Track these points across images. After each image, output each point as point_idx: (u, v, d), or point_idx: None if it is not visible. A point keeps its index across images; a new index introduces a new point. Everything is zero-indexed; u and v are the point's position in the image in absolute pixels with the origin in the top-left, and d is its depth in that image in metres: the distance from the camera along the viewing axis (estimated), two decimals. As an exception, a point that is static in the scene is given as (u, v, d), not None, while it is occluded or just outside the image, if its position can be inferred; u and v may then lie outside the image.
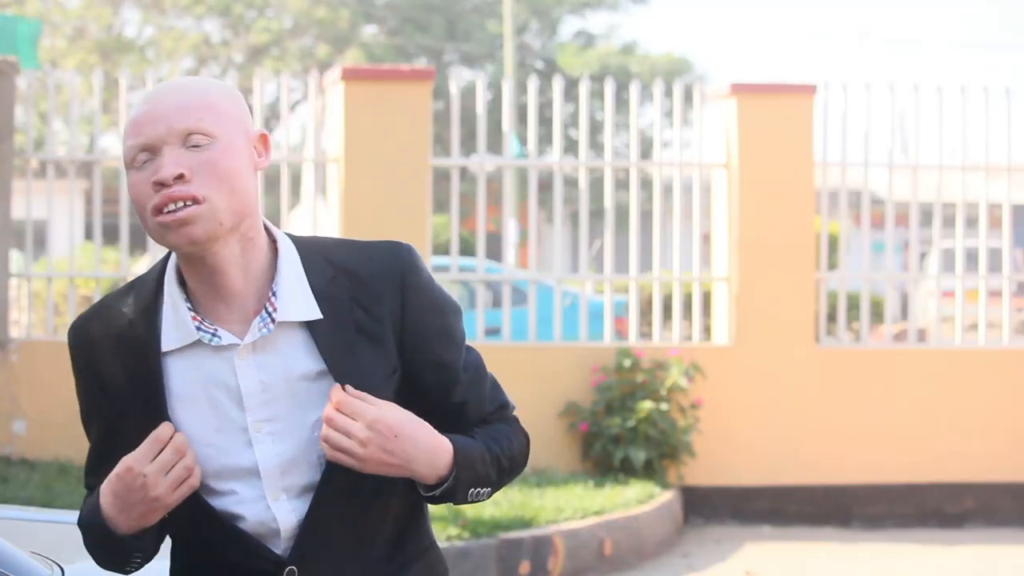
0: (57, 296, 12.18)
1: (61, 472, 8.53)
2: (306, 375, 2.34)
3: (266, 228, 2.39)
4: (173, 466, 2.28)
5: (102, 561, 2.44)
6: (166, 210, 2.26)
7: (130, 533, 2.34)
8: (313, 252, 2.39)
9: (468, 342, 2.48)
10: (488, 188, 11.08)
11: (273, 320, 2.32)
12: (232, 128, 2.31)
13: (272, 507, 2.33)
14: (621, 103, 22.76)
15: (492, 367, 2.53)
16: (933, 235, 10.05)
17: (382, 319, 2.36)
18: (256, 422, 2.32)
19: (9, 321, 9.12)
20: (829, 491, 9.50)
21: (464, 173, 22.09)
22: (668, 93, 19.31)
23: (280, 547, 2.35)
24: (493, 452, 2.41)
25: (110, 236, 17.37)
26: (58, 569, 3.08)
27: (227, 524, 2.34)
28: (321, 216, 9.66)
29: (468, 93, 24.02)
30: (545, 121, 26.30)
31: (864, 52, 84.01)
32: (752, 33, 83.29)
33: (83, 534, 2.43)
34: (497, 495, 8.11)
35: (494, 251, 20.91)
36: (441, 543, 7.11)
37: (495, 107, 25.43)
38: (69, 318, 9.21)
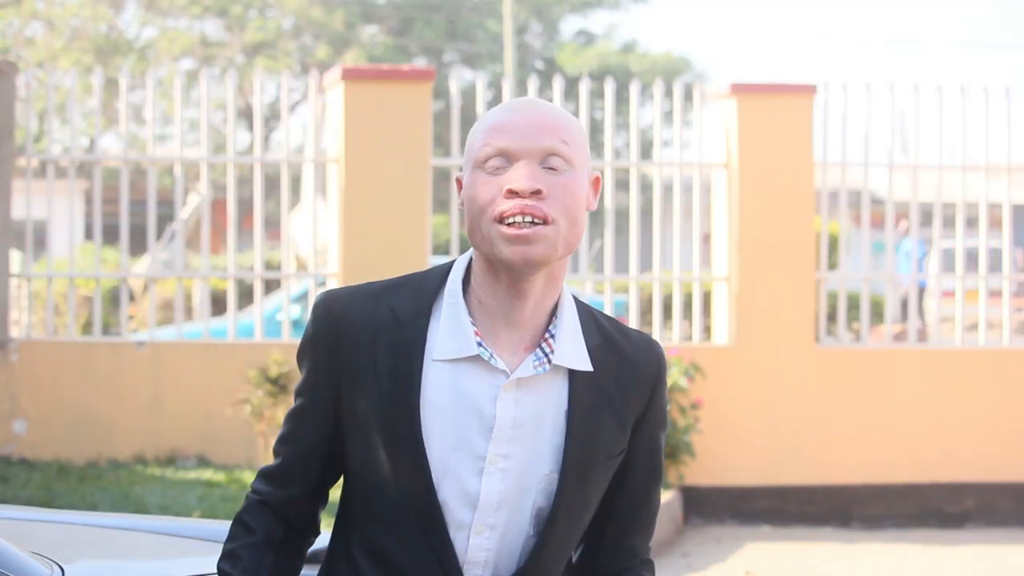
0: (57, 296, 12.18)
1: (61, 472, 8.52)
2: (553, 425, 2.33)
3: None
4: None
5: None
6: (511, 220, 2.24)
7: None
8: (585, 311, 2.39)
9: None
10: (488, 188, 11.05)
11: (549, 361, 2.31)
12: (582, 162, 2.32)
13: (472, 540, 2.31)
14: (621, 102, 22.75)
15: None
16: (933, 235, 10.05)
17: (630, 403, 2.38)
18: (494, 455, 2.30)
19: (9, 321, 9.12)
20: (829, 491, 9.50)
21: (464, 173, 22.03)
22: (668, 93, 19.31)
23: None
24: None
25: (110, 236, 17.37)
26: (58, 569, 3.08)
27: (430, 533, 2.31)
28: (321, 216, 9.66)
29: (468, 93, 23.99)
30: (545, 121, 26.23)
31: (864, 52, 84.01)
32: (752, 33, 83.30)
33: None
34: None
35: (494, 251, 20.87)
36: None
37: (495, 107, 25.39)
38: (69, 318, 9.20)
